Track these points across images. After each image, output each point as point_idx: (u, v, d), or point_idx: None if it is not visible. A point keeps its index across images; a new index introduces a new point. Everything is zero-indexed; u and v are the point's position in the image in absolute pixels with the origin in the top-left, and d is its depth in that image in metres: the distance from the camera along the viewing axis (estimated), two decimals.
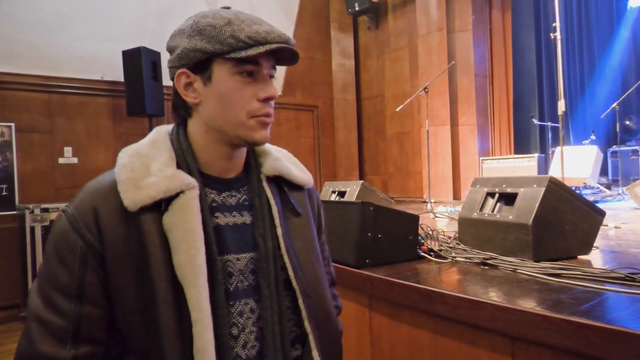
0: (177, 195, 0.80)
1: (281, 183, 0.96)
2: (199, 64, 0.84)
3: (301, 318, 0.86)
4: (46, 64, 4.87)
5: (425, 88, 4.29)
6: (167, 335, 0.74)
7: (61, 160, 5.00)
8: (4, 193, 4.65)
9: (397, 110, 4.48)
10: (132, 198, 0.78)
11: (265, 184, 0.93)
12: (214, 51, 0.82)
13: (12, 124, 4.72)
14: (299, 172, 0.99)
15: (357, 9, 6.77)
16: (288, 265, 0.87)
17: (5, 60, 4.64)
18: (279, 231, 0.89)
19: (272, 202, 0.91)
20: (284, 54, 0.86)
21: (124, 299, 0.76)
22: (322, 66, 7.21)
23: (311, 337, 0.86)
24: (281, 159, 0.97)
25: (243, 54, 0.80)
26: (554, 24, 3.25)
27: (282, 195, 0.94)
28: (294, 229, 0.93)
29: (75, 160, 5.05)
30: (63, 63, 4.96)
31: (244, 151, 0.92)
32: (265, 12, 6.20)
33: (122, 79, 5.03)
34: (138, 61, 4.83)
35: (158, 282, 0.75)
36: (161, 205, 0.79)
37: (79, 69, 5.07)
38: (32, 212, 4.29)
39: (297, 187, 0.98)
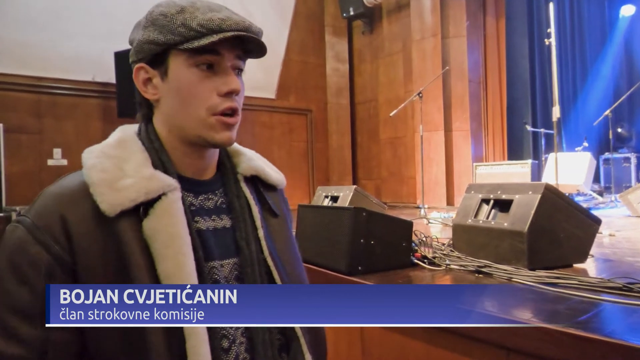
0: (158, 198, 0.74)
1: (257, 183, 0.91)
2: (156, 57, 0.77)
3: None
4: (36, 63, 4.79)
5: (420, 93, 4.27)
6: (156, 354, 0.68)
7: (50, 162, 4.93)
8: None
9: (391, 115, 4.46)
10: (110, 201, 0.70)
11: (243, 184, 0.88)
12: (166, 42, 0.75)
13: (1, 125, 4.63)
14: (273, 172, 0.94)
15: (351, 13, 6.76)
16: (273, 268, 0.82)
17: None
18: (261, 233, 0.84)
19: (252, 202, 0.86)
20: (251, 45, 0.79)
21: None
22: (316, 70, 7.19)
23: (302, 341, 0.81)
24: (255, 159, 0.92)
25: (196, 43, 0.73)
26: (548, 30, 3.25)
27: (259, 195, 0.89)
28: (273, 231, 0.88)
29: (64, 162, 4.97)
30: (53, 63, 4.89)
31: (216, 150, 0.86)
32: (259, 15, 6.16)
33: (113, 80, 4.97)
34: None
35: None
36: (139, 210, 0.72)
37: (70, 69, 4.99)
38: (19, 214, 4.21)
39: (271, 187, 0.93)
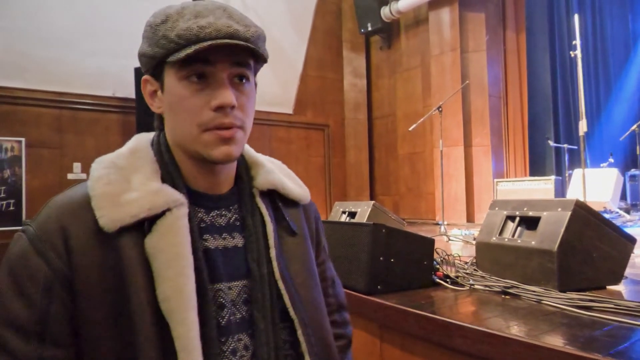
0: (162, 213, 0.69)
1: (275, 198, 0.84)
2: (155, 70, 0.74)
3: (300, 352, 0.76)
4: (58, 79, 4.87)
5: (440, 107, 4.20)
6: None
7: (70, 176, 4.97)
8: (11, 208, 4.61)
9: (410, 129, 4.39)
10: (110, 216, 0.66)
11: (258, 200, 0.82)
12: (153, 55, 0.72)
13: (23, 139, 4.71)
14: (294, 185, 0.88)
15: (369, 29, 6.75)
16: (284, 292, 0.76)
17: (17, 75, 4.65)
18: (273, 253, 0.78)
19: (267, 219, 0.80)
20: (253, 50, 0.71)
21: (96, 338, 0.64)
22: (334, 85, 7.18)
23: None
24: (275, 171, 0.86)
25: (176, 56, 0.68)
26: (573, 42, 3.17)
27: (277, 212, 0.83)
28: (289, 251, 0.81)
29: (84, 176, 5.01)
30: (74, 79, 4.96)
31: (232, 164, 0.81)
32: (277, 31, 6.20)
33: (133, 96, 5.02)
34: None
35: (139, 317, 0.64)
36: (143, 226, 0.68)
37: (91, 84, 5.06)
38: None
39: (291, 202, 0.87)
